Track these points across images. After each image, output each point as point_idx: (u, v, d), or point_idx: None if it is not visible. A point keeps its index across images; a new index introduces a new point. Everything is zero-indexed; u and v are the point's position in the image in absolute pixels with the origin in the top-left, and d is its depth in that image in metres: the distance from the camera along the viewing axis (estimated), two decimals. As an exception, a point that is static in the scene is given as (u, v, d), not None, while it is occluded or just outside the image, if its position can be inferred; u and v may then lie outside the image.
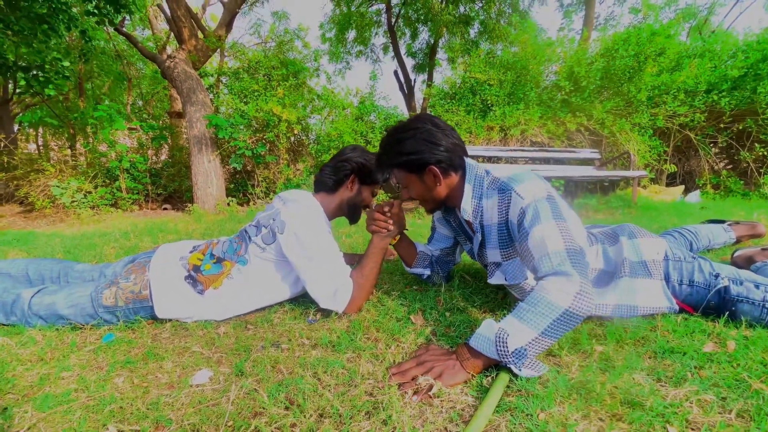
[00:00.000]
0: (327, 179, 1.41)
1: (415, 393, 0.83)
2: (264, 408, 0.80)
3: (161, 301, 1.24)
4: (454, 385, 0.86)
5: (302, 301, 1.42)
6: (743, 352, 0.94)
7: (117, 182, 4.96)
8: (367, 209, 1.45)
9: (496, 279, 1.21)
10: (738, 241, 1.85)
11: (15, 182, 5.41)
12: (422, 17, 10.07)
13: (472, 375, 0.88)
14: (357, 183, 1.43)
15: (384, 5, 10.22)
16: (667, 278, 1.17)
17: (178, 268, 1.31)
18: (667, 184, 4.97)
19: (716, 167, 4.87)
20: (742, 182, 4.52)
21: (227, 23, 5.67)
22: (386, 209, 1.33)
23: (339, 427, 0.74)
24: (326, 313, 1.29)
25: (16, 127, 10.08)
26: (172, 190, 5.80)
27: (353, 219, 1.49)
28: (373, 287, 1.33)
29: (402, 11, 10.29)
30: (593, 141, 4.66)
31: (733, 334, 1.03)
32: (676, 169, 4.90)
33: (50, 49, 4.83)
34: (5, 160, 5.75)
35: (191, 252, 1.37)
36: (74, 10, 5.41)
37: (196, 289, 1.27)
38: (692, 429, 0.70)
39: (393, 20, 10.36)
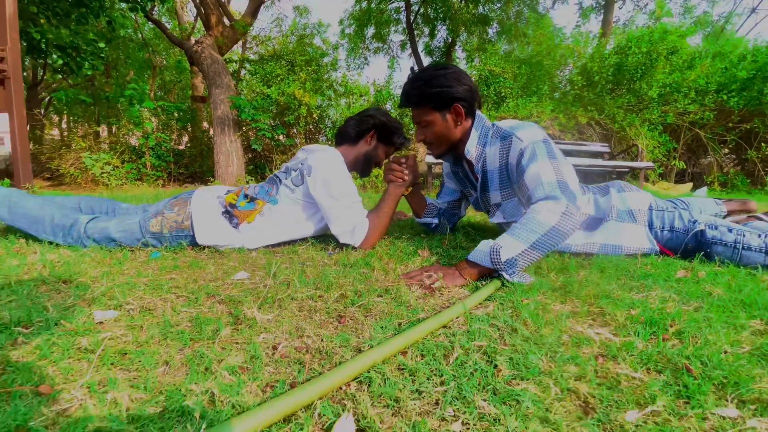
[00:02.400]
0: (350, 130, 1.57)
1: (420, 287, 0.99)
2: (295, 289, 0.96)
3: (201, 229, 1.42)
4: (453, 286, 1.01)
5: (323, 239, 1.58)
6: (711, 278, 1.08)
7: (143, 159, 5.21)
8: (386, 161, 1.61)
9: (496, 218, 1.36)
10: (729, 215, 1.96)
11: (45, 156, 5.72)
12: (441, 15, 10.20)
13: (469, 280, 1.03)
14: (376, 139, 1.59)
15: (403, 3, 10.38)
16: (650, 225, 1.32)
17: (216, 205, 1.48)
18: (676, 182, 5.03)
19: (725, 168, 4.92)
20: (748, 181, 4.57)
21: (252, 12, 5.90)
22: (402, 161, 1.49)
23: (358, 299, 0.90)
24: (344, 248, 1.45)
25: (42, 111, 10.54)
26: (193, 170, 6.05)
27: (365, 172, 1.64)
28: (386, 228, 1.49)
29: (421, 9, 10.44)
30: (603, 135, 4.75)
31: (706, 270, 1.16)
32: (685, 167, 4.96)
33: (87, 30, 5.11)
34: (37, 135, 6.07)
35: (226, 193, 1.55)
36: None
37: (232, 223, 1.45)
38: (652, 312, 0.84)
39: (412, 18, 10.50)
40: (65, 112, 9.99)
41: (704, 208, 1.90)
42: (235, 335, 0.71)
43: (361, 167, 1.62)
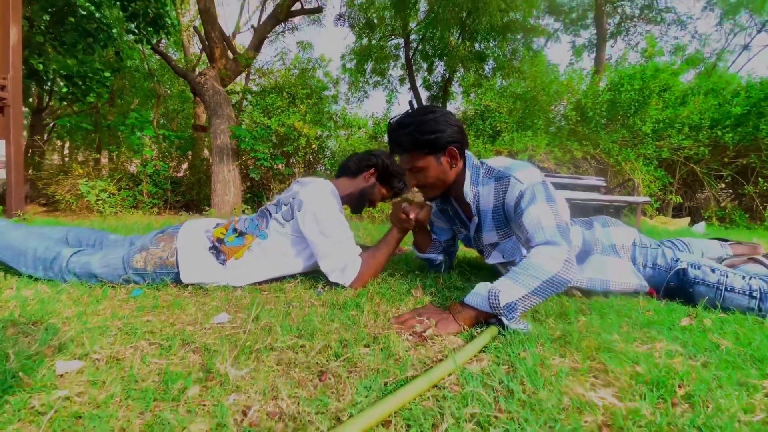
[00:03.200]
0: (352, 164, 1.57)
1: (411, 335, 0.93)
2: (277, 338, 0.90)
3: (186, 267, 1.36)
4: (447, 334, 0.95)
5: (313, 276, 1.53)
6: (717, 326, 1.03)
7: (140, 186, 5.21)
8: (397, 200, 1.55)
9: (494, 258, 1.31)
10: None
11: (42, 182, 5.71)
12: (438, 52, 10.59)
13: (464, 327, 0.98)
14: (375, 178, 1.58)
15: (402, 40, 10.80)
16: (633, 261, 1.30)
17: (203, 240, 1.44)
18: (673, 216, 5.02)
19: (722, 202, 4.94)
20: (747, 215, 4.57)
21: (256, 46, 6.09)
22: (413, 215, 1.39)
23: (343, 350, 0.84)
24: (334, 287, 1.39)
25: (45, 137, 10.67)
26: (190, 198, 6.04)
27: (357, 209, 1.61)
28: (380, 269, 1.44)
29: (419, 46, 10.85)
30: (599, 169, 4.79)
31: (711, 318, 1.11)
32: (681, 201, 4.97)
33: (93, 60, 5.25)
34: (36, 161, 6.09)
35: (215, 227, 1.51)
36: (114, 30, 5.90)
37: (219, 259, 1.40)
38: (658, 371, 0.78)
39: (410, 54, 10.90)
40: (65, 138, 10.10)
41: (707, 251, 1.85)
42: (204, 395, 0.64)
43: (355, 203, 1.59)
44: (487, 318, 0.99)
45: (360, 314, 1.10)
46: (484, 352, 0.86)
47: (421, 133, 1.18)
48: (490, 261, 1.33)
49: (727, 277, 1.17)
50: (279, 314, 1.07)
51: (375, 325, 1.01)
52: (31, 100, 9.00)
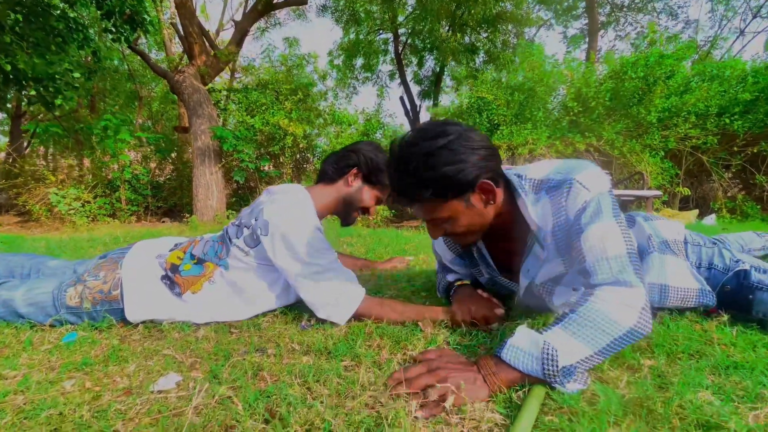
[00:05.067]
0: (328, 167, 1.25)
1: (422, 407, 0.66)
2: (237, 421, 0.63)
3: (132, 301, 1.08)
4: (474, 402, 0.68)
5: (296, 305, 1.25)
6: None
7: (117, 193, 4.88)
8: (478, 296, 1.07)
9: (560, 296, 0.94)
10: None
11: (15, 190, 5.35)
12: (428, 46, 10.30)
13: (497, 392, 0.70)
14: (360, 180, 1.25)
15: (391, 34, 10.49)
16: (687, 259, 1.05)
17: (155, 267, 1.14)
18: (680, 208, 4.82)
19: (730, 192, 4.74)
20: (759, 207, 4.37)
21: (238, 41, 5.77)
22: (494, 323, 1.02)
23: (330, 447, 0.57)
24: (322, 319, 1.12)
25: (26, 143, 10.21)
26: (172, 203, 5.72)
27: (346, 220, 1.30)
28: (382, 320, 1.07)
29: (408, 40, 10.55)
30: (603, 162, 4.57)
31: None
32: (689, 193, 4.77)
33: (62, 61, 4.89)
34: (8, 170, 5.73)
35: (171, 250, 1.21)
36: (91, 31, 5.53)
37: (174, 291, 1.11)
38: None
39: (400, 48, 10.61)
40: (36, 145, 9.67)
41: (745, 243, 1.63)
42: None
43: (342, 213, 1.28)
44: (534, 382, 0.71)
45: (356, 367, 0.83)
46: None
47: (433, 175, 0.81)
48: (558, 301, 0.96)
49: None
50: (245, 372, 0.80)
51: (376, 386, 0.75)
52: (9, 105, 8.56)
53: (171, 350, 0.94)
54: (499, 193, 0.88)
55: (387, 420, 0.62)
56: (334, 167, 1.24)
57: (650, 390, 0.70)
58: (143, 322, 1.11)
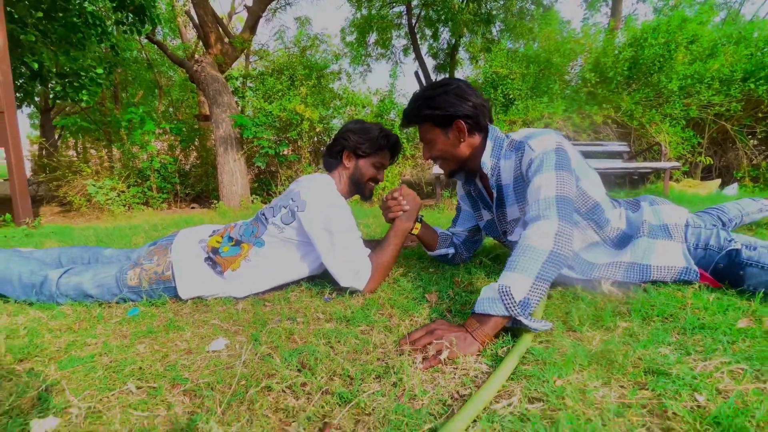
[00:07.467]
0: (326, 159, 1.44)
1: (424, 359, 0.82)
2: (276, 371, 0.80)
3: (184, 281, 1.27)
4: (466, 355, 0.84)
5: (319, 280, 1.43)
6: (783, 328, 0.88)
7: (148, 182, 5.17)
8: (383, 202, 1.41)
9: (516, 235, 1.22)
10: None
11: (55, 183, 5.73)
12: (443, 17, 10.02)
13: (485, 344, 0.86)
14: (353, 158, 1.40)
15: (404, 7, 10.25)
16: (685, 242, 1.16)
17: (198, 251, 1.34)
18: (702, 178, 4.72)
19: (755, 160, 4.58)
20: (784, 175, 4.24)
21: (251, 26, 5.84)
22: (395, 194, 1.36)
23: (349, 387, 0.73)
24: (342, 292, 1.29)
25: (57, 135, 10.73)
26: (199, 190, 5.99)
27: (363, 196, 1.47)
28: (390, 268, 1.33)
29: (422, 12, 10.29)
30: (621, 134, 4.49)
31: (772, 314, 0.96)
32: (712, 162, 4.65)
33: (85, 57, 5.11)
34: (46, 163, 6.11)
35: (210, 235, 1.41)
36: (108, 23, 5.71)
37: (216, 270, 1.31)
38: (723, 398, 0.65)
39: (413, 21, 10.37)
40: (69, 137, 10.12)
41: (743, 207, 1.71)
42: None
43: (356, 190, 1.45)
44: (505, 324, 0.88)
45: (370, 330, 1.00)
46: (512, 379, 0.74)
47: (428, 107, 1.18)
48: (512, 238, 1.25)
49: None
50: (280, 335, 0.98)
51: (387, 344, 0.91)
52: (38, 99, 8.98)
53: (217, 320, 1.12)
54: (475, 138, 1.21)
55: (393, 369, 0.77)
56: (330, 157, 1.42)
57: (615, 345, 0.83)
58: (191, 299, 1.30)
